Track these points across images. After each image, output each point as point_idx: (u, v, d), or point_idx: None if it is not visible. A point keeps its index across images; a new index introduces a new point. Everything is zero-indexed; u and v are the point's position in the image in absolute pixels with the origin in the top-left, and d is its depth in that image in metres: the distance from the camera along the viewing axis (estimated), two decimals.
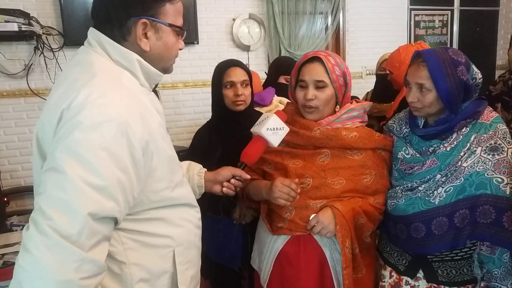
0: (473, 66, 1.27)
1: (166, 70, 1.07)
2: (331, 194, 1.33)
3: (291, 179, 1.27)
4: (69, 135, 0.80)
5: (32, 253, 0.76)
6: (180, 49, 1.07)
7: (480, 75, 1.28)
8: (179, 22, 1.02)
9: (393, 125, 1.48)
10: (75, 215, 0.77)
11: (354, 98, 1.55)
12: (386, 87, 2.12)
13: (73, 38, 2.82)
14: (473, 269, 1.28)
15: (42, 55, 2.81)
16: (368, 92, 2.63)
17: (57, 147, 0.81)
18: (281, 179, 1.28)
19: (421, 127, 1.37)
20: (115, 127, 0.83)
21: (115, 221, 0.88)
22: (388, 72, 2.08)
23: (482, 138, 1.24)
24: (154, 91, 1.10)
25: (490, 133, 1.24)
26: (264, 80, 2.49)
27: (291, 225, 1.34)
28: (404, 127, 1.43)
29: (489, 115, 1.29)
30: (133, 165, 0.87)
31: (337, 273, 1.33)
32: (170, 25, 1.00)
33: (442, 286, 1.32)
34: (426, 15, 4.11)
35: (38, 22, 2.75)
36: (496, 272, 1.22)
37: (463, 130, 1.27)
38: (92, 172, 0.80)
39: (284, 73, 2.28)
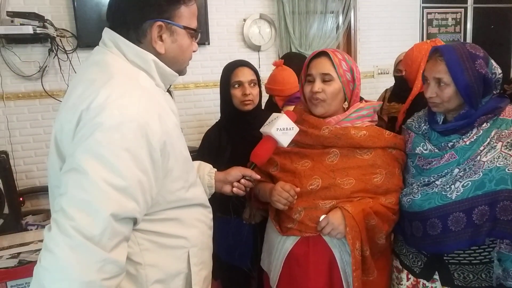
0: (492, 61, 1.25)
1: (180, 72, 1.07)
2: (341, 195, 1.32)
3: (291, 185, 1.30)
4: (89, 136, 0.81)
5: (54, 253, 0.76)
6: (194, 51, 1.07)
7: (499, 70, 1.26)
8: (194, 24, 1.02)
9: (412, 123, 1.46)
10: (98, 215, 0.78)
11: (362, 99, 1.54)
12: (405, 88, 2.09)
13: (86, 40, 2.85)
14: (493, 270, 1.24)
15: (56, 57, 2.85)
16: (386, 90, 2.57)
17: (77, 148, 0.81)
18: (282, 183, 1.31)
19: (440, 123, 1.35)
20: (136, 127, 0.84)
21: (135, 222, 0.88)
22: (404, 72, 2.05)
23: (504, 133, 1.22)
24: (169, 91, 1.10)
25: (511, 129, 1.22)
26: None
27: (301, 226, 1.34)
28: (423, 125, 1.41)
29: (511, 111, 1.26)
30: (152, 166, 0.87)
31: (346, 275, 1.32)
32: (185, 28, 1.00)
33: None
34: (438, 13, 4.05)
35: (52, 25, 2.79)
36: None
37: (483, 126, 1.25)
38: (113, 172, 0.80)
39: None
